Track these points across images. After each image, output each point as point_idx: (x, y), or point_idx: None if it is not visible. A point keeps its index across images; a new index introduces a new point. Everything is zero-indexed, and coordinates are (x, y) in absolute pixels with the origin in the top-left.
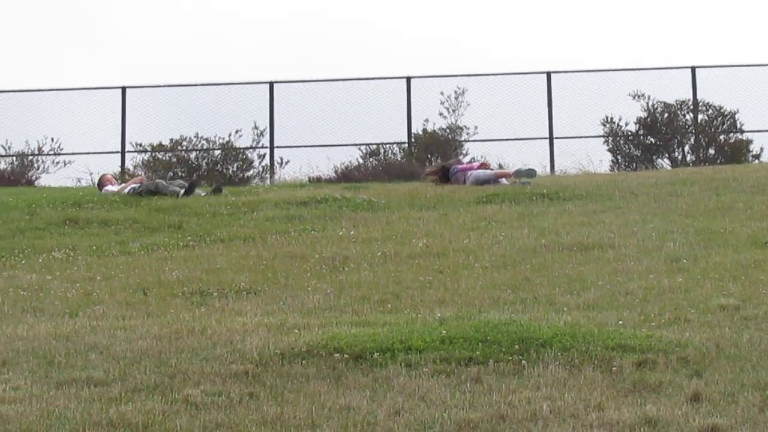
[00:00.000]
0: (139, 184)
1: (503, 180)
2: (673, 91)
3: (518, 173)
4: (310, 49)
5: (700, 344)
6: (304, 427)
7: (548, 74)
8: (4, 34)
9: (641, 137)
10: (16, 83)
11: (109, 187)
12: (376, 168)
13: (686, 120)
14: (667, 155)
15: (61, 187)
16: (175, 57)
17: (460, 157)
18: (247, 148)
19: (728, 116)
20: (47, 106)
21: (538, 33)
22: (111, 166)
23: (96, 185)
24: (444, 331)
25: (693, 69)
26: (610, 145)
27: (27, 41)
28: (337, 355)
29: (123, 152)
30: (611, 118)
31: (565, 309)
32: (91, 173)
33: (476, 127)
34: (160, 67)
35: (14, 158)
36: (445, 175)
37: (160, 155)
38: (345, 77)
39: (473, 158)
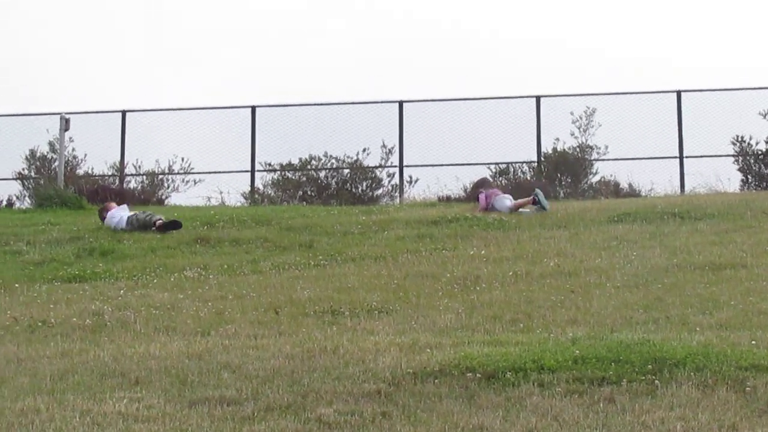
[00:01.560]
0: (132, 214)
1: (523, 209)
2: None
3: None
4: (439, 67)
5: None
6: None
7: (678, 93)
8: (135, 54)
9: None
10: (146, 103)
11: (111, 214)
12: (506, 187)
13: None
14: None
15: (191, 206)
16: (304, 77)
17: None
18: (376, 167)
19: None
20: (177, 125)
21: (668, 51)
22: (240, 185)
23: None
24: (576, 351)
25: None
26: (741, 165)
27: (157, 61)
28: (470, 374)
29: (253, 171)
30: (742, 138)
31: (697, 329)
32: (221, 192)
33: (606, 147)
34: (288, 87)
35: (145, 177)
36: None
37: (289, 174)
38: (474, 96)
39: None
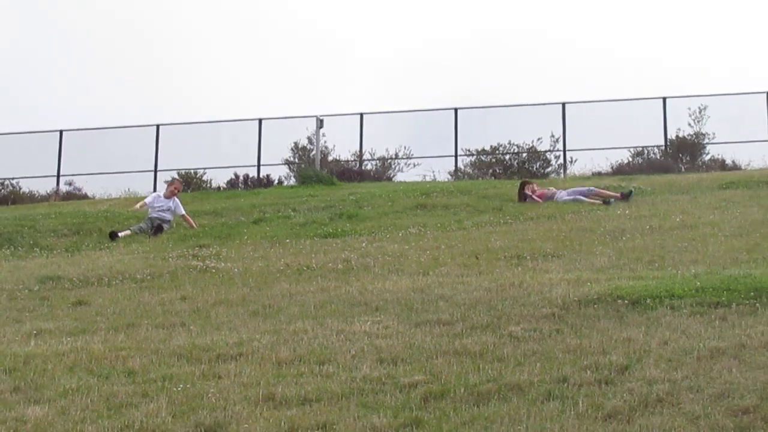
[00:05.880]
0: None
1: (582, 198)
2: None
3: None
4: (598, 73)
5: None
6: (597, 354)
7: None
8: (369, 64)
9: None
10: (380, 106)
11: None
12: (642, 164)
13: None
14: None
15: (412, 182)
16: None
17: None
18: (546, 151)
19: None
20: (400, 122)
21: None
22: (447, 166)
23: None
24: (698, 283)
25: None
26: None
27: (389, 69)
28: (620, 301)
29: (456, 156)
30: None
31: None
32: (433, 171)
33: (714, 133)
34: (487, 91)
35: (377, 161)
36: (523, 194)
37: (482, 157)
38: (624, 98)
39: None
